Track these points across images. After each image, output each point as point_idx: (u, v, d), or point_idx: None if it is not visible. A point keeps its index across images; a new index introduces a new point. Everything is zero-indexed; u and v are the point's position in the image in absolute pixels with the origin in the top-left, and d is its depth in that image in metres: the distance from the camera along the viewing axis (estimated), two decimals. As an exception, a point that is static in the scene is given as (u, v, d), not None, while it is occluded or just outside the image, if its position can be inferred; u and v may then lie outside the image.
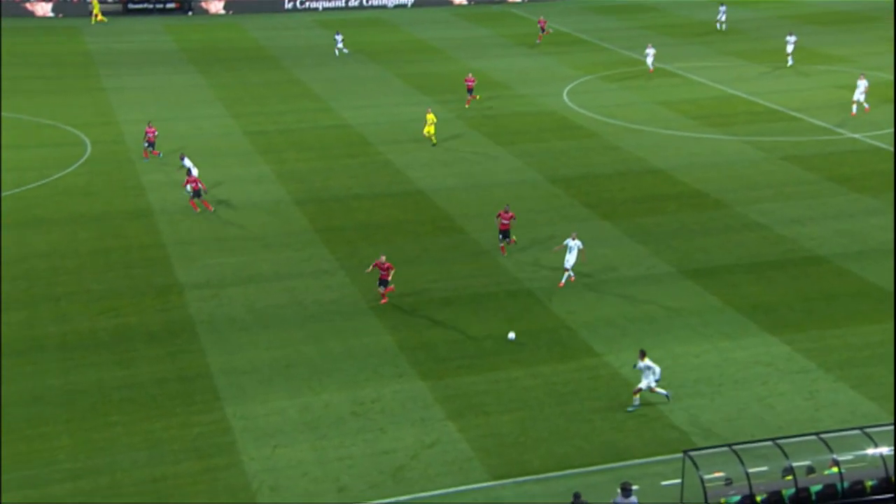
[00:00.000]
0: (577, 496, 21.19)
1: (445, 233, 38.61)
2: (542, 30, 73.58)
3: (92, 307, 32.04)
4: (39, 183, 42.94)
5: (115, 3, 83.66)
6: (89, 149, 47.75)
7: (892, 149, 47.93)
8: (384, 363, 29.06)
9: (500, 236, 36.01)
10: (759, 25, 79.56)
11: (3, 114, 52.74)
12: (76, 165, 45.51)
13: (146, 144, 45.72)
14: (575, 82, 62.19)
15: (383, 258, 32.28)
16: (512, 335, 29.56)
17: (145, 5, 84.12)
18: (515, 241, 36.30)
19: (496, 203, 41.87)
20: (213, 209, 40.03)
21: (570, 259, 33.49)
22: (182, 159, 42.58)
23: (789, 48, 65.16)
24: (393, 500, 23.18)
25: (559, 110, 55.71)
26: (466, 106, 54.98)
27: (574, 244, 33.44)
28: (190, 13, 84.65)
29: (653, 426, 26.04)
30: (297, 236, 38.06)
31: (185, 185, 40.08)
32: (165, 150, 47.57)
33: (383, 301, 32.38)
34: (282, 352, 29.57)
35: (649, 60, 63.73)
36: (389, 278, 32.22)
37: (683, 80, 62.79)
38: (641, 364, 26.42)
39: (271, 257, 36.20)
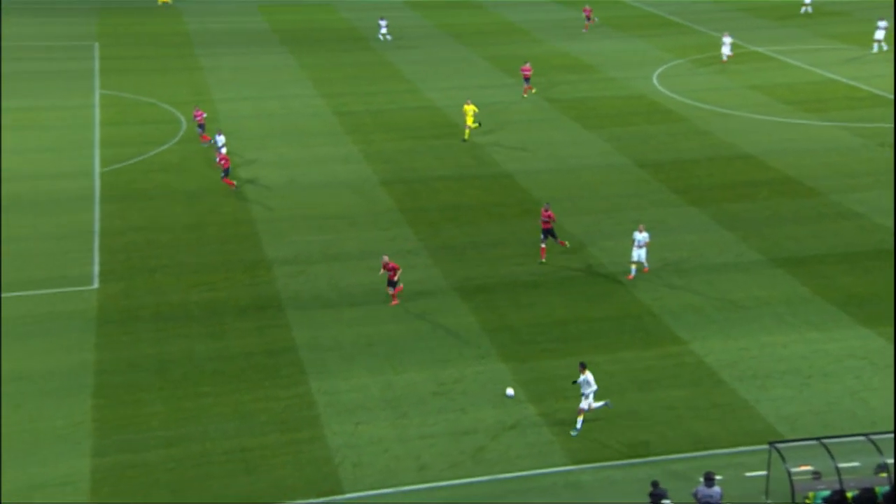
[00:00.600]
0: (655, 484, 20.91)
1: (531, 216, 38.35)
2: (588, 18, 71.38)
3: (185, 280, 32.81)
4: (137, 159, 44.09)
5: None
6: (184, 126, 48.80)
7: None
8: (466, 344, 29.08)
9: (542, 236, 33.93)
10: (857, 7, 76.76)
11: (105, 91, 54.24)
12: (172, 143, 46.56)
13: (198, 129, 45.71)
14: (666, 65, 61.01)
15: (386, 258, 31.18)
16: (510, 392, 26.26)
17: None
18: (567, 245, 34.35)
19: (583, 186, 41.45)
20: (234, 186, 40.25)
21: (640, 253, 32.50)
22: (217, 135, 42.74)
23: (879, 34, 62.47)
24: (473, 480, 23.22)
25: (648, 94, 54.75)
26: (524, 96, 53.70)
27: (641, 237, 32.48)
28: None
29: (738, 416, 25.50)
30: (383, 216, 38.29)
31: (220, 162, 40.31)
32: (255, 129, 48.33)
33: (393, 303, 31.01)
34: (365, 329, 29.84)
35: (725, 49, 61.08)
36: (396, 278, 30.94)
37: (778, 63, 61.03)
38: (581, 378, 24.72)
39: (357, 236, 36.51)
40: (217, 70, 60.13)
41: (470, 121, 46.20)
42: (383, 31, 67.80)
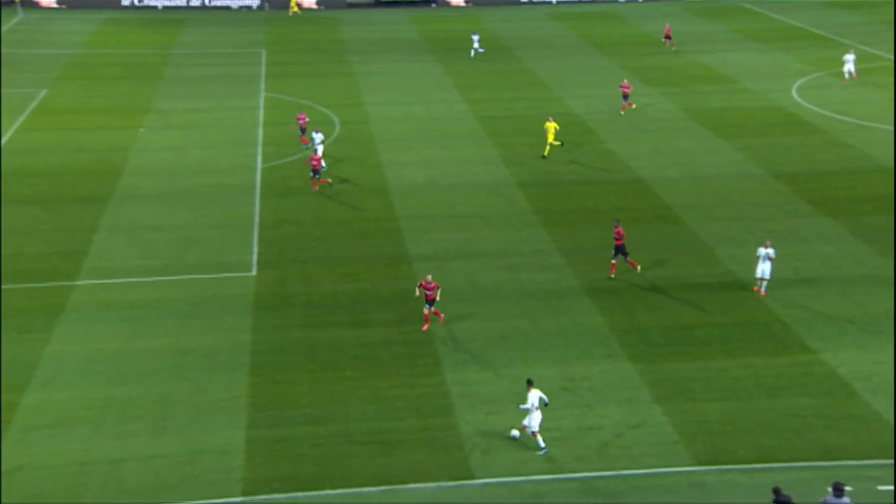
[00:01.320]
0: (777, 490, 20.24)
1: (663, 221, 37.70)
2: (667, 37, 67.71)
3: (334, 271, 33.77)
4: (294, 157, 45.62)
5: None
6: (338, 128, 50.18)
7: None
8: (595, 343, 28.86)
9: (613, 252, 32.51)
10: None
11: (269, 94, 56.36)
12: (326, 142, 47.93)
13: (300, 132, 46.41)
14: (806, 78, 58.69)
15: (429, 277, 29.34)
16: (515, 433, 24.26)
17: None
18: (638, 268, 32.59)
19: (715, 194, 40.44)
20: (329, 182, 40.59)
21: (765, 269, 31.00)
22: (315, 132, 43.39)
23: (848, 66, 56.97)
24: (597, 474, 23.07)
25: (787, 106, 52.81)
26: (622, 113, 51.59)
27: (766, 253, 30.94)
28: (433, 5, 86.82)
29: (870, 428, 24.39)
30: (518, 217, 38.37)
31: (312, 162, 40.45)
32: (401, 131, 49.22)
33: (425, 327, 29.10)
34: (498, 324, 30.00)
35: (847, 67, 57.37)
36: (437, 297, 29.02)
37: (924, 77, 57.78)
38: (530, 395, 23.31)
39: (493, 235, 36.72)
40: (369, 75, 61.51)
41: (551, 138, 44.50)
42: (476, 45, 66.00)
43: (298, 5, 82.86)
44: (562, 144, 45.01)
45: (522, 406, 23.86)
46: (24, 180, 41.55)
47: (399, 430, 24.80)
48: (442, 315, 29.73)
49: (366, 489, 22.67)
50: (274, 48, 68.96)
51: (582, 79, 59.92)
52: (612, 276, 32.72)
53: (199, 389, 26.48)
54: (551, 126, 44.53)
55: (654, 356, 28.06)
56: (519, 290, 32.06)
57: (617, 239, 32.42)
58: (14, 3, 79.90)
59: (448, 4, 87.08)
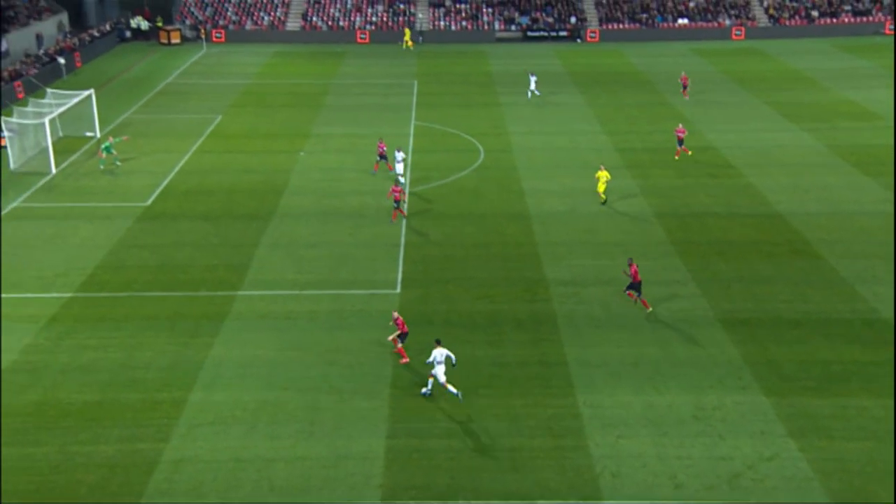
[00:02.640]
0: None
1: (801, 256, 36.01)
2: (685, 86, 62.52)
3: (472, 292, 33.91)
4: (440, 182, 46.23)
5: (516, 31, 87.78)
6: (482, 156, 50.55)
7: None
8: (728, 374, 27.77)
9: (630, 286, 31.38)
10: None
11: (419, 122, 57.42)
12: (470, 169, 48.38)
13: (377, 158, 46.71)
14: (958, 114, 54.98)
15: (395, 314, 29.08)
16: (426, 391, 25.80)
17: (542, 33, 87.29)
18: (649, 309, 31.20)
19: (858, 231, 38.44)
20: (405, 215, 40.21)
21: None
22: (397, 152, 43.69)
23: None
24: (727, 503, 22.16)
25: (937, 142, 49.60)
26: (676, 158, 48.85)
27: None
28: (578, 41, 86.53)
29: None
30: (655, 247, 37.50)
31: (394, 193, 39.99)
32: (544, 160, 49.08)
33: (404, 360, 28.65)
34: (631, 350, 29.34)
35: None
36: (406, 331, 28.83)
37: None
38: (435, 352, 26.06)
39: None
40: (514, 106, 61.75)
41: (602, 188, 42.04)
42: (532, 87, 62.46)
43: (412, 40, 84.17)
44: (605, 200, 42.06)
45: (428, 360, 26.51)
46: (199, 198, 43.80)
47: (530, 448, 24.56)
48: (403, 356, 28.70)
49: (496, 503, 22.52)
50: (425, 79, 70.29)
51: (722, 113, 58.20)
52: (650, 309, 31.42)
53: (344, 398, 27.05)
54: (603, 175, 42.12)
55: (789, 390, 26.73)
56: (652, 318, 31.26)
57: (633, 276, 31.18)
58: (200, 38, 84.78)
59: (592, 41, 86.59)
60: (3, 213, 41.65)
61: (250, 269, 35.69)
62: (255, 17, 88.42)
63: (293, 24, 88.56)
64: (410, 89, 66.41)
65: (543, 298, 33.13)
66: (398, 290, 34.10)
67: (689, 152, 49.57)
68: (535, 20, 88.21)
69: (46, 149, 48.06)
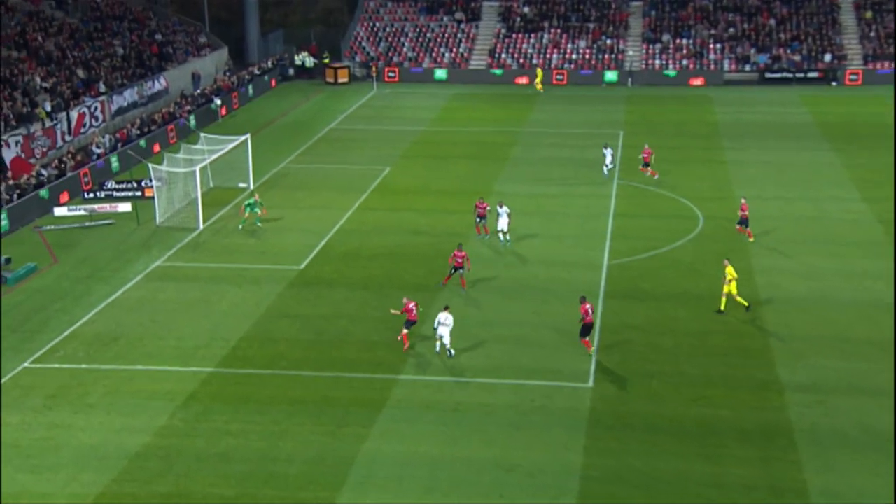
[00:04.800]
0: None
1: None
2: (646, 163, 57.53)
3: (683, 392, 33.14)
4: (648, 255, 45.82)
5: (751, 71, 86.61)
6: (701, 223, 49.77)
7: None
8: None
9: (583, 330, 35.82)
10: None
11: (622, 181, 57.35)
12: (685, 240, 47.68)
13: (476, 219, 47.91)
14: None
15: (405, 299, 36.28)
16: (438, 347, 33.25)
17: (785, 74, 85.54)
18: (591, 349, 35.53)
19: None
20: (465, 289, 41.39)
21: None
22: (500, 207, 46.47)
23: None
24: None
25: None
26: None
27: None
28: (834, 83, 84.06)
29: None
30: (927, 348, 35.41)
31: (457, 258, 41.25)
32: (780, 232, 47.68)
33: (405, 347, 35.92)
34: (889, 480, 27.61)
35: None
36: (416, 319, 36.17)
37: None
38: (440, 315, 34.69)
39: (892, 368, 34.09)
40: (742, 164, 60.65)
41: (734, 289, 38.65)
42: (607, 162, 58.39)
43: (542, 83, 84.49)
44: (748, 308, 38.91)
45: (435, 325, 34.48)
46: (359, 262, 45.49)
47: None
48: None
49: None
50: (634, 129, 70.40)
51: None
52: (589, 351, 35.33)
53: (521, 511, 26.94)
54: (730, 273, 38.68)
55: None
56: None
57: (585, 317, 35.28)
58: (371, 77, 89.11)
59: (852, 83, 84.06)
60: (146, 272, 44.82)
61: (414, 350, 36.50)
62: (433, 54, 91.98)
63: (478, 61, 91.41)
64: (615, 140, 66.62)
65: (776, 406, 31.94)
66: (590, 383, 33.89)
67: (751, 240, 46.39)
68: (776, 58, 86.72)
69: (195, 201, 51.45)
